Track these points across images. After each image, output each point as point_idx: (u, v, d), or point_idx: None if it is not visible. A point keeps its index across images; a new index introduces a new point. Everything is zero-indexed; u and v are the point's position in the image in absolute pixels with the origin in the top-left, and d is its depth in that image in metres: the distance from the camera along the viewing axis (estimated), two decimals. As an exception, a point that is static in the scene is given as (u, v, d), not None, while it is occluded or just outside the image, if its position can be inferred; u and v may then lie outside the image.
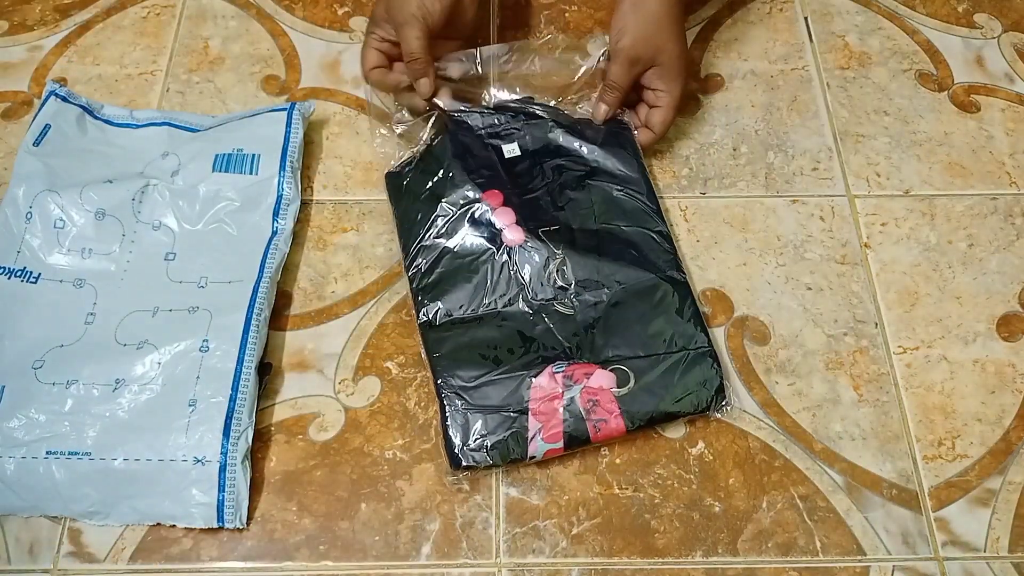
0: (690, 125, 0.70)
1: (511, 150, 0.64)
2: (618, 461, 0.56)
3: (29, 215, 0.61)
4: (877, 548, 0.53)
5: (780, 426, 0.57)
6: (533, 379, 0.55)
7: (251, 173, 0.63)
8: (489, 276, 0.59)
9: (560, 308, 0.58)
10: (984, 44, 0.75)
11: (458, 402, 0.55)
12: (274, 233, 0.62)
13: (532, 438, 0.54)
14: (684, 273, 0.60)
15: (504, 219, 0.60)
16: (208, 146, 0.65)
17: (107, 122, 0.67)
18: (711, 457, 0.56)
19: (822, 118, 0.70)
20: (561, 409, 0.54)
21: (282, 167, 0.64)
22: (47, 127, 0.65)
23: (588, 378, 0.55)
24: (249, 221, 0.62)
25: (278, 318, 0.61)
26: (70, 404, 0.54)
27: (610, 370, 0.56)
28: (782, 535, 0.53)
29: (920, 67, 0.73)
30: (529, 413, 0.54)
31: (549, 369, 0.56)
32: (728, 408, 0.56)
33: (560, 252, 0.60)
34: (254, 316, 0.57)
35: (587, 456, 0.56)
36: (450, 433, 0.54)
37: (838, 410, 0.58)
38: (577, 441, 0.54)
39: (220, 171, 0.63)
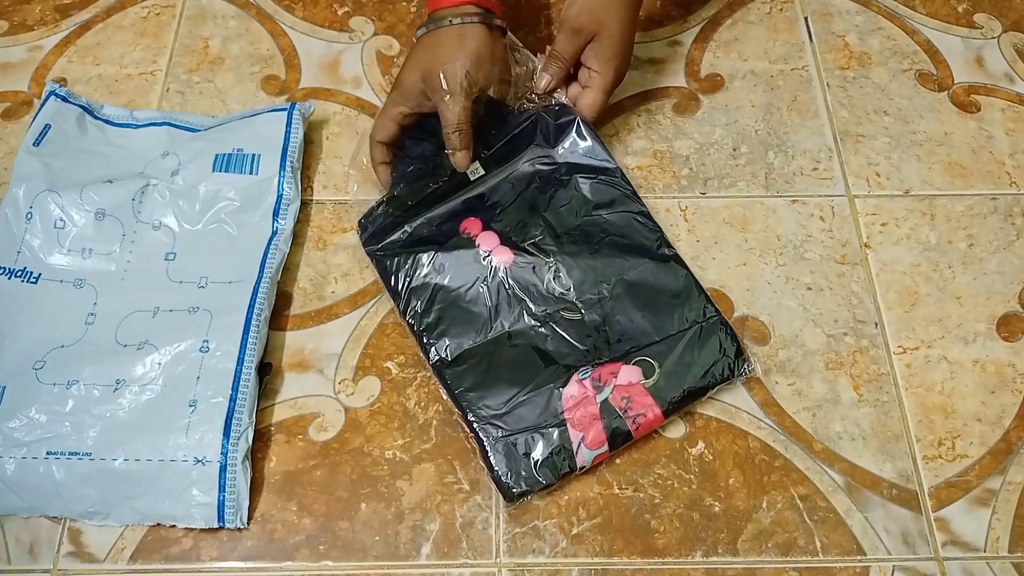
0: (690, 125, 0.70)
1: (474, 170, 0.62)
2: (618, 461, 0.56)
3: (29, 215, 0.61)
4: (877, 548, 0.53)
5: (780, 426, 0.57)
6: (562, 390, 0.55)
7: (251, 173, 0.63)
8: (488, 300, 0.58)
9: (566, 314, 0.58)
10: (984, 44, 0.75)
11: (494, 432, 0.54)
12: (274, 233, 0.62)
13: (577, 449, 0.53)
14: (672, 247, 0.60)
15: (488, 243, 0.60)
16: (208, 146, 0.65)
17: (107, 122, 0.67)
18: (711, 457, 0.56)
19: (822, 118, 0.70)
20: (598, 413, 0.54)
21: (282, 167, 0.64)
22: (47, 127, 0.65)
23: (615, 376, 0.55)
24: (249, 221, 0.62)
25: (278, 318, 0.61)
26: (71, 404, 0.54)
27: (634, 364, 0.56)
28: (782, 535, 0.53)
29: (920, 67, 0.73)
30: (567, 425, 0.54)
31: (575, 377, 0.55)
32: (752, 371, 0.57)
33: (551, 259, 0.60)
34: (254, 316, 0.57)
35: (587, 456, 0.56)
36: (494, 465, 0.53)
37: (838, 410, 0.58)
38: (620, 439, 0.54)
39: (220, 171, 0.63)
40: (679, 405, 0.55)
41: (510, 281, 0.59)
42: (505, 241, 0.60)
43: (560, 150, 0.63)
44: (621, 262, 0.59)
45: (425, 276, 0.59)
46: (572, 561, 0.53)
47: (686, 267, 0.60)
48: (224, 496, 0.52)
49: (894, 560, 0.53)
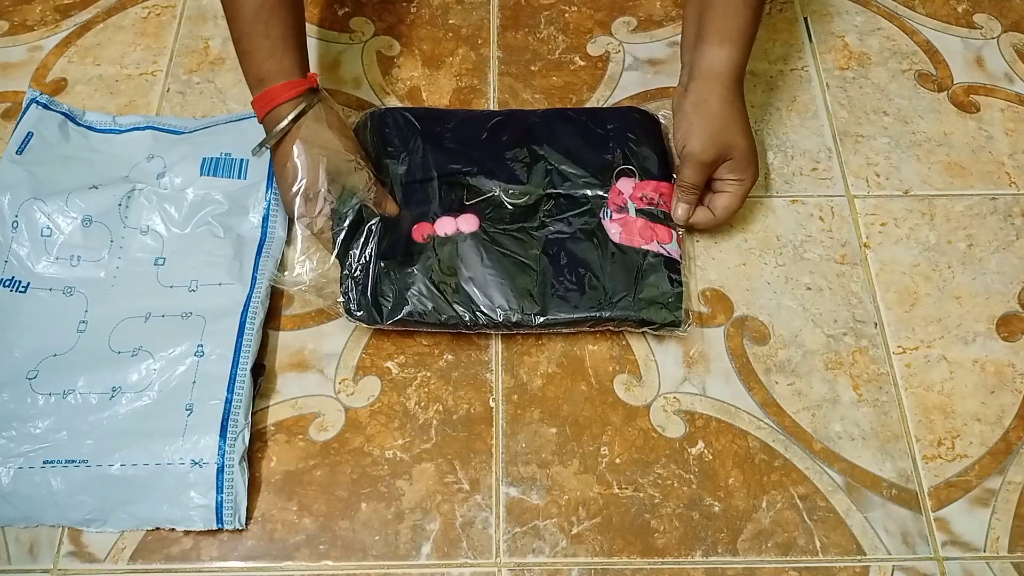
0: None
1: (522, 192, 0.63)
2: (618, 461, 0.56)
3: (15, 224, 0.60)
4: (877, 548, 0.53)
5: (780, 426, 0.57)
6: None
7: (239, 177, 0.64)
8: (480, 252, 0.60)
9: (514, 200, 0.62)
10: (984, 44, 0.75)
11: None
12: (264, 238, 0.62)
13: (667, 251, 0.60)
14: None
15: (462, 226, 0.61)
16: (194, 149, 0.65)
17: (90, 128, 0.67)
18: (711, 457, 0.56)
19: (821, 118, 0.70)
20: (645, 221, 0.61)
21: (270, 174, 0.64)
22: (29, 135, 0.65)
23: (621, 194, 0.62)
24: (238, 225, 0.62)
25: (278, 318, 0.61)
26: (67, 414, 0.54)
27: (620, 179, 0.62)
28: (782, 535, 0.53)
29: (920, 67, 0.73)
30: (642, 247, 0.60)
31: (604, 221, 0.61)
32: (690, 327, 0.58)
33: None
34: (248, 320, 0.57)
35: (587, 456, 0.56)
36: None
37: (838, 410, 0.58)
38: (668, 219, 0.61)
39: (208, 175, 0.63)
40: (661, 168, 0.63)
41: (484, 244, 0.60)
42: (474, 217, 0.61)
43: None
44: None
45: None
46: (572, 561, 0.53)
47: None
48: (222, 498, 0.52)
49: (894, 560, 0.53)
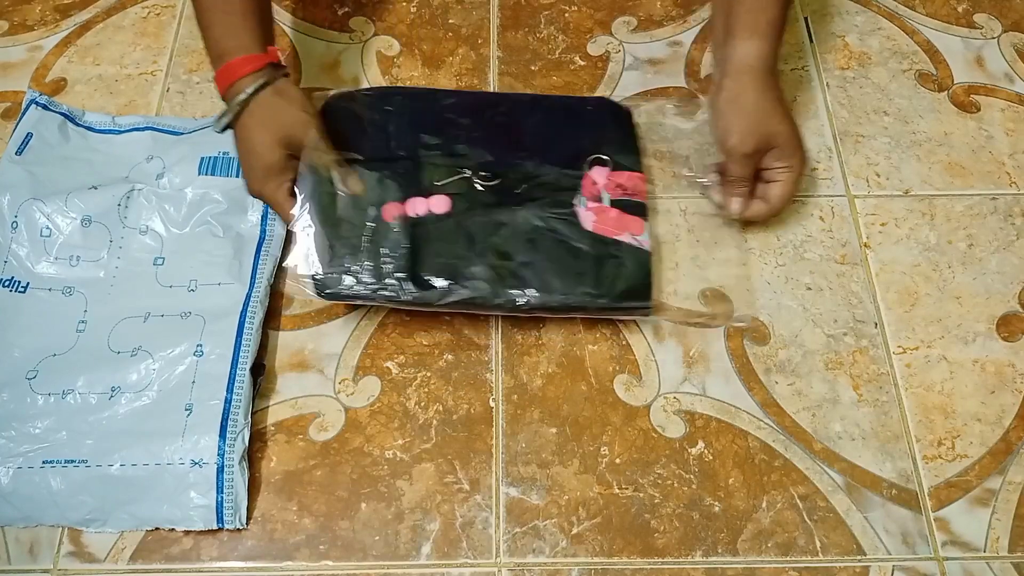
0: (690, 125, 0.70)
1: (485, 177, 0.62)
2: (618, 461, 0.56)
3: (15, 224, 0.60)
4: (877, 548, 0.53)
5: (780, 426, 0.57)
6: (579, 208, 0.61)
7: (237, 176, 0.63)
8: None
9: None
10: (984, 44, 0.75)
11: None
12: (264, 237, 0.62)
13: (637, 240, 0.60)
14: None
15: (433, 207, 0.60)
16: (193, 149, 0.65)
17: (89, 128, 0.67)
18: (711, 457, 0.56)
19: (822, 118, 0.70)
20: (620, 210, 0.61)
21: None
22: (29, 135, 0.65)
23: (595, 183, 0.62)
24: (237, 224, 0.62)
25: (278, 318, 0.61)
26: (67, 414, 0.54)
27: (594, 167, 0.62)
28: (782, 535, 0.53)
29: (920, 67, 0.73)
30: (614, 238, 0.60)
31: (579, 209, 0.60)
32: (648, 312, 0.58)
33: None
34: (247, 320, 0.57)
35: (587, 456, 0.56)
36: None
37: (838, 410, 0.58)
38: (639, 212, 0.61)
39: (206, 174, 0.63)
40: (634, 159, 0.63)
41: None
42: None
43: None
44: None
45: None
46: (572, 561, 0.53)
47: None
48: (222, 497, 0.52)
49: (894, 560, 0.53)
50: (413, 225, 0.59)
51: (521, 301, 0.57)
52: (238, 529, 0.53)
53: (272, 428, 0.57)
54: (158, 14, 0.77)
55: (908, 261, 0.63)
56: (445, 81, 0.72)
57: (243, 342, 0.57)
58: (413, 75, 0.72)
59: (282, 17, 0.76)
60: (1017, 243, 0.64)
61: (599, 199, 0.61)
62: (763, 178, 0.62)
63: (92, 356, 0.57)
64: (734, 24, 0.59)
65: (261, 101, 0.57)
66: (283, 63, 0.59)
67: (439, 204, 0.60)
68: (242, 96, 0.56)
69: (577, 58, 0.73)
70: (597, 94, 0.71)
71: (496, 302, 0.57)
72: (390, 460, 0.56)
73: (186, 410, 0.54)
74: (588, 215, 0.60)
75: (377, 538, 0.53)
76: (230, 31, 0.57)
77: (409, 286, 0.56)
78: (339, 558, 0.53)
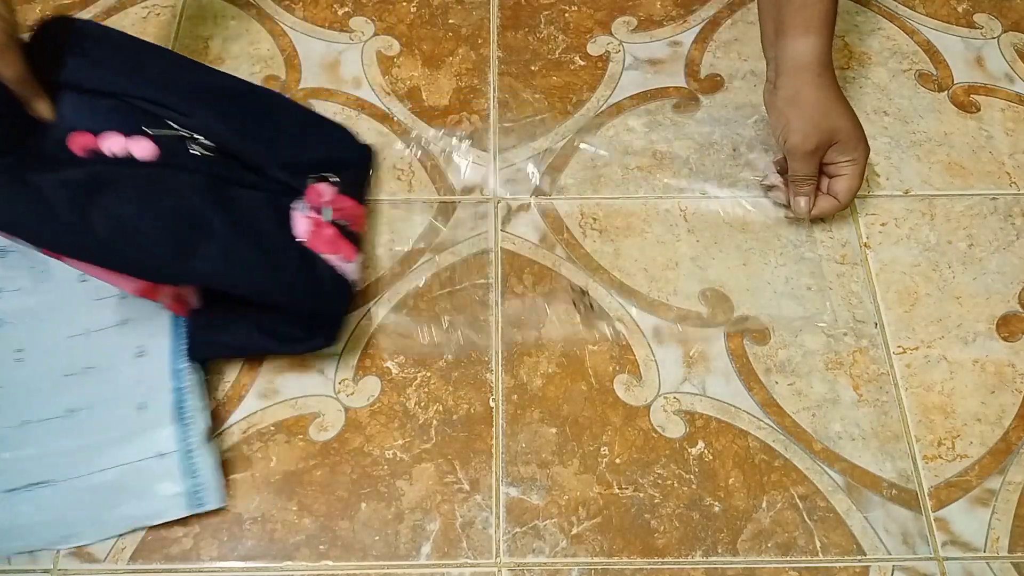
0: (690, 125, 0.70)
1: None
2: (618, 461, 0.56)
3: None
4: (877, 548, 0.53)
5: (780, 426, 0.57)
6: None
7: None
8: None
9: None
10: (984, 44, 0.75)
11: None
12: None
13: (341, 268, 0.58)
14: None
15: (134, 150, 0.55)
16: None
17: None
18: (711, 457, 0.56)
19: (822, 118, 0.70)
20: (336, 232, 0.59)
21: None
22: None
23: (322, 196, 0.60)
24: None
25: (278, 318, 0.61)
26: (25, 441, 0.54)
27: (320, 183, 0.61)
28: (782, 535, 0.53)
29: (920, 67, 0.73)
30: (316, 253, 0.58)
31: (299, 213, 0.58)
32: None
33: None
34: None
35: (587, 456, 0.56)
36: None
37: (838, 410, 0.58)
38: (356, 241, 0.60)
39: None
40: (361, 192, 0.63)
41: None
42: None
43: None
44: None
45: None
46: (572, 561, 0.53)
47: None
48: (192, 482, 0.53)
49: (894, 560, 0.53)
50: (105, 163, 0.53)
51: (202, 267, 0.52)
52: (237, 528, 0.53)
53: (272, 428, 0.57)
54: (158, 14, 0.77)
55: (908, 261, 0.63)
56: (445, 81, 0.72)
57: (176, 332, 0.57)
58: (413, 75, 0.72)
59: (282, 17, 0.76)
60: (1017, 243, 0.64)
61: (319, 211, 0.59)
62: (827, 173, 0.62)
63: (40, 382, 0.56)
64: (785, 22, 0.59)
65: None
66: None
67: (143, 149, 0.54)
68: None
69: (577, 58, 0.73)
70: (597, 94, 0.71)
71: (167, 271, 0.52)
72: (390, 460, 0.56)
73: (139, 408, 0.55)
74: (304, 222, 0.58)
75: (377, 538, 0.53)
76: None
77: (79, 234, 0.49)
78: (339, 558, 0.53)
